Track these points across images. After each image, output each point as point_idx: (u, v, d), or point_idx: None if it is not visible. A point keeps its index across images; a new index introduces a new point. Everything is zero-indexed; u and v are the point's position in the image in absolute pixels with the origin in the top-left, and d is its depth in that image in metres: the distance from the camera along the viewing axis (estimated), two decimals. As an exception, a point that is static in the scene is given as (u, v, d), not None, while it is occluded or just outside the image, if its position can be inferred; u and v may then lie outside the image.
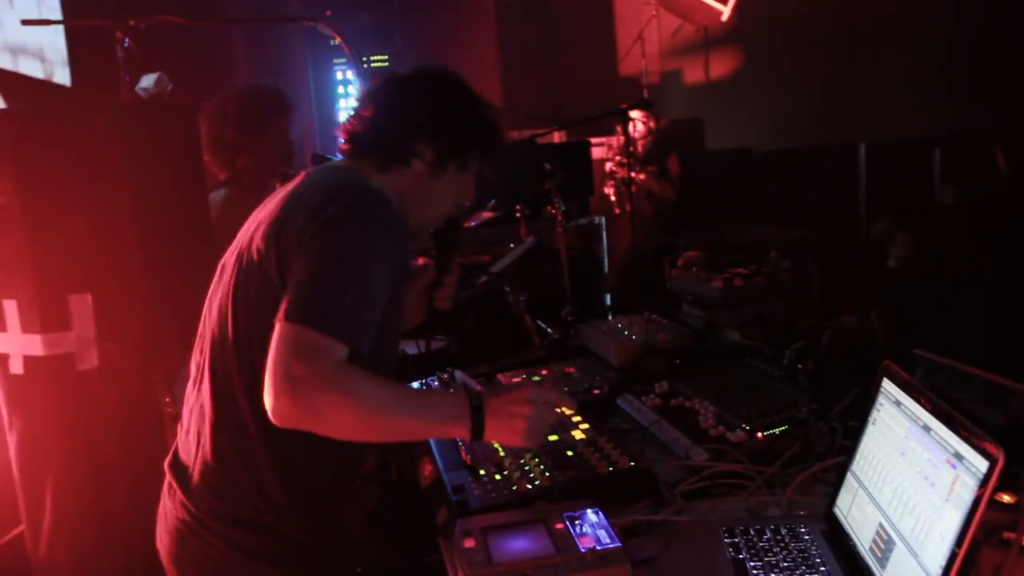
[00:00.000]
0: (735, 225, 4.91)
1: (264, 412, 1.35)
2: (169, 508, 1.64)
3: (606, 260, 4.13)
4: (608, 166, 5.05)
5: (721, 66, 6.28)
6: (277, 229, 1.50)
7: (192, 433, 1.61)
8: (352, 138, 1.68)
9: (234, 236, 1.69)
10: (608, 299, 4.00)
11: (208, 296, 1.66)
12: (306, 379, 1.30)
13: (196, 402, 1.62)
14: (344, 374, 1.35)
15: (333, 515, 1.68)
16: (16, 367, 2.49)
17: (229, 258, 1.64)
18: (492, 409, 1.45)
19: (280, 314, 1.36)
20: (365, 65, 5.60)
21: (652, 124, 5.13)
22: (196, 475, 1.58)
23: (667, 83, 6.74)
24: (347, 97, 5.70)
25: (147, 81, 2.86)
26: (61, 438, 2.49)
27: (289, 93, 3.27)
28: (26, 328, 2.46)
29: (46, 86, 3.22)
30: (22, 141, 2.42)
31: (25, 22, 2.87)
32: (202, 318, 1.65)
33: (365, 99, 1.68)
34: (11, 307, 2.46)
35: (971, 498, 1.03)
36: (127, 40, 2.78)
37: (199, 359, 1.63)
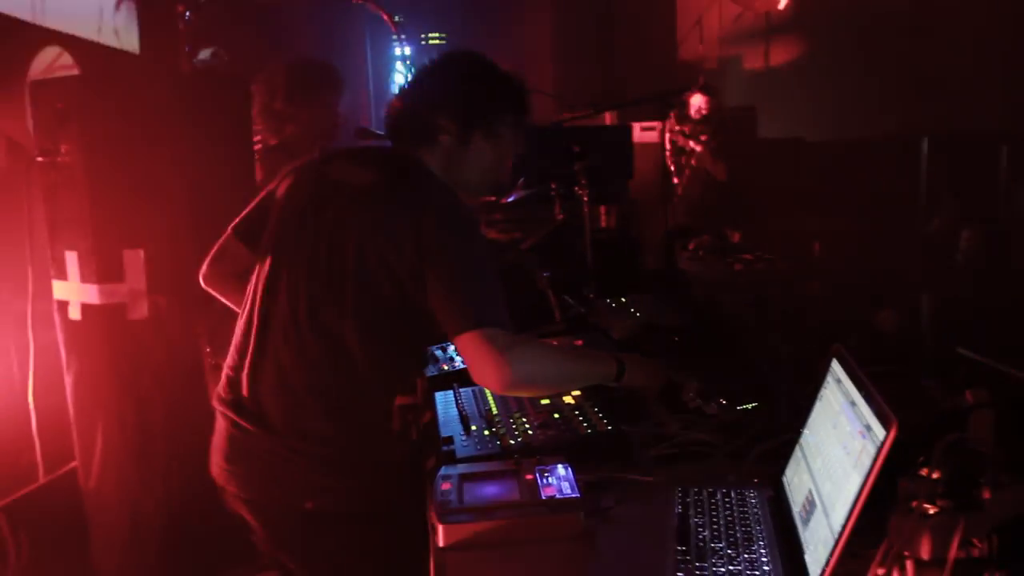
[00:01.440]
0: (780, 215, 4.92)
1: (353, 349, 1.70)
2: (242, 440, 1.77)
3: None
4: (667, 136, 5.02)
5: (779, 54, 6.25)
6: (380, 230, 1.70)
7: (277, 378, 1.74)
8: (389, 126, 1.90)
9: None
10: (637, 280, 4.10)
11: (274, 251, 1.83)
12: (513, 358, 1.60)
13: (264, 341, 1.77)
14: (535, 351, 1.72)
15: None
16: (75, 313, 2.73)
17: (295, 230, 1.81)
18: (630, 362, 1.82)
19: (458, 326, 1.62)
20: (423, 43, 5.77)
21: (707, 110, 5.13)
22: (282, 409, 1.73)
23: (724, 70, 6.74)
24: (405, 73, 5.87)
25: (205, 53, 3.07)
26: (111, 381, 2.72)
27: (345, 68, 3.44)
28: (85, 278, 2.69)
29: (114, 54, 3.43)
30: (89, 106, 2.63)
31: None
32: (269, 271, 1.81)
33: (398, 92, 1.94)
34: (72, 258, 2.69)
35: (870, 464, 1.13)
36: (188, 13, 2.98)
37: (310, 309, 1.74)
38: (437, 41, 5.76)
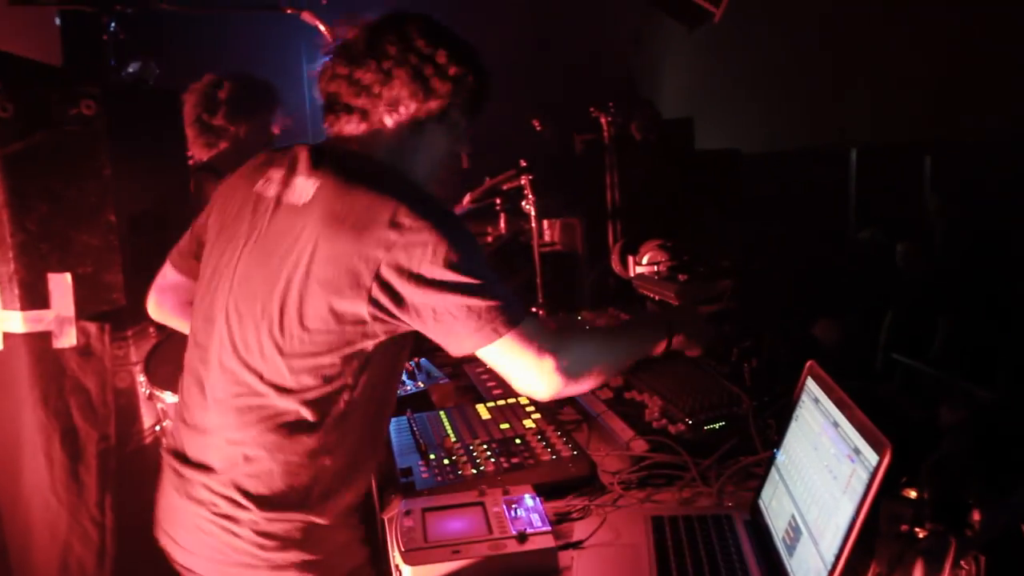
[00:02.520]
0: (717, 224, 4.95)
1: (310, 403, 1.45)
2: (182, 500, 1.54)
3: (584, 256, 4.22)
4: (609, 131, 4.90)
5: (715, 67, 6.32)
6: (338, 254, 1.41)
7: (218, 425, 1.51)
8: (327, 102, 1.59)
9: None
10: (585, 294, 4.08)
11: (212, 287, 1.58)
12: (556, 350, 1.43)
13: (215, 395, 1.52)
14: (572, 331, 1.66)
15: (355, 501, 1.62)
16: (-5, 342, 2.56)
17: (231, 257, 1.56)
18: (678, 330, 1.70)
19: (477, 341, 1.40)
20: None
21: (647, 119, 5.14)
22: (222, 465, 1.50)
23: (661, 82, 6.79)
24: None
25: (134, 66, 2.92)
26: (37, 415, 2.55)
27: (280, 81, 3.34)
28: (6, 304, 2.52)
29: (35, 67, 3.26)
30: (8, 121, 2.48)
31: (13, 2, 2.93)
32: (210, 315, 1.56)
33: (336, 54, 1.57)
34: (-9, 284, 2.52)
35: (863, 490, 1.09)
36: (113, 24, 2.84)
37: (219, 354, 1.52)
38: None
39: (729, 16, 4.63)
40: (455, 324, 1.40)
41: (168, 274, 1.83)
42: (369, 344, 1.45)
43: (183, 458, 1.57)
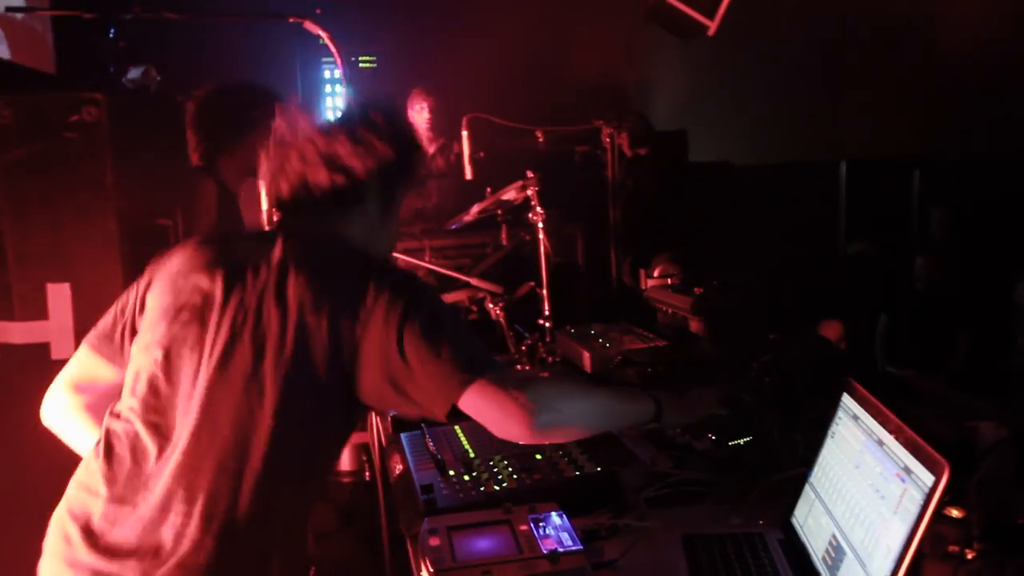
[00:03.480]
0: (714, 237, 4.96)
1: (263, 479, 1.37)
2: None
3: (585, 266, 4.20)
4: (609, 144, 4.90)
5: (709, 79, 6.34)
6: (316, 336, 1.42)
7: (152, 506, 1.40)
8: (292, 195, 1.62)
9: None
10: (586, 306, 4.05)
11: (166, 348, 1.49)
12: (529, 399, 1.41)
13: (164, 476, 1.41)
14: (546, 384, 1.64)
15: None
16: (-9, 354, 2.50)
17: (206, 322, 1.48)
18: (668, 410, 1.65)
19: (457, 383, 1.39)
20: (356, 64, 5.63)
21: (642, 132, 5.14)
22: (164, 548, 1.37)
23: (654, 94, 6.80)
24: (334, 96, 5.71)
25: (134, 73, 2.88)
26: (34, 426, 2.49)
27: (276, 90, 3.29)
28: (3, 315, 2.46)
29: (34, 75, 3.21)
30: (7, 128, 2.42)
31: (9, 9, 2.88)
32: (155, 385, 1.47)
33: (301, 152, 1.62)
34: (-12, 294, 2.46)
35: (917, 511, 1.07)
36: (112, 31, 2.80)
37: (160, 432, 1.45)
38: (368, 64, 5.62)
39: (723, 29, 4.64)
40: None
41: (84, 364, 1.71)
42: None
43: None
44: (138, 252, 2.55)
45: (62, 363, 2.45)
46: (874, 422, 1.26)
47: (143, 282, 1.62)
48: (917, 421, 1.68)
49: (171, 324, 1.51)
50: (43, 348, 2.47)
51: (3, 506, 2.59)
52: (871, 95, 5.31)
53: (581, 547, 1.38)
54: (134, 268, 2.49)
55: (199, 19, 3.32)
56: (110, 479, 1.46)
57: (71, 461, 2.40)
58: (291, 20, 3.25)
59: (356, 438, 2.62)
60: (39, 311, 2.46)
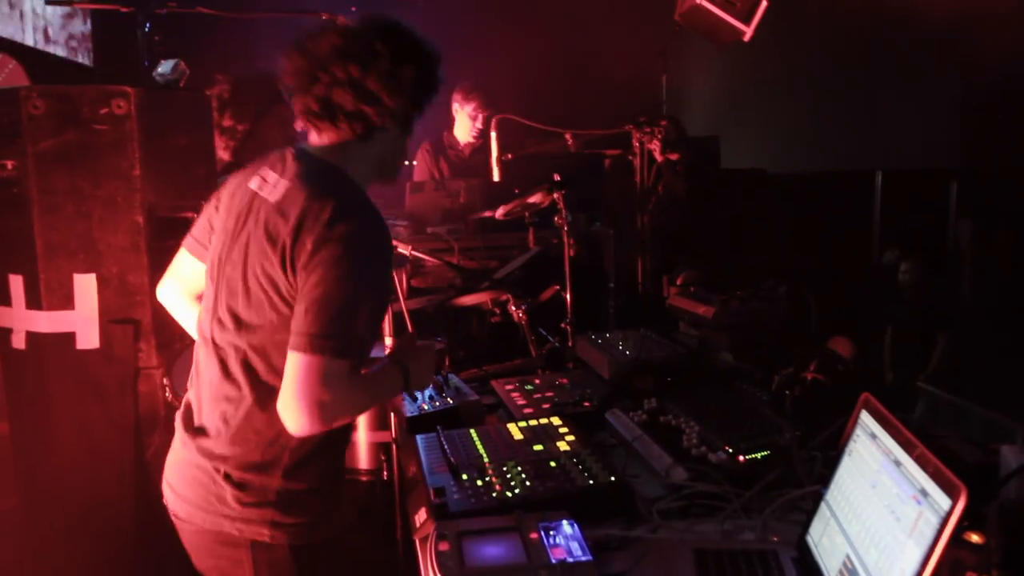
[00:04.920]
0: (742, 246, 4.91)
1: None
2: (184, 457, 1.77)
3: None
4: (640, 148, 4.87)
5: (743, 86, 6.28)
6: (273, 244, 1.63)
7: (208, 396, 1.74)
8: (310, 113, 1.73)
9: None
10: (613, 312, 4.03)
11: (211, 277, 1.79)
12: (331, 403, 1.54)
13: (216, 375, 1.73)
14: (355, 390, 1.61)
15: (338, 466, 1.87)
16: (19, 342, 2.53)
17: (222, 249, 1.77)
18: (412, 372, 1.80)
19: (299, 343, 1.54)
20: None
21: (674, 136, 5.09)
22: (215, 429, 1.71)
23: (688, 100, 6.75)
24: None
25: (165, 67, 2.90)
26: (58, 414, 2.52)
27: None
28: (30, 304, 2.49)
29: (69, 66, 3.26)
30: (39, 119, 2.45)
31: (49, 2, 2.92)
32: (207, 304, 1.79)
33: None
34: (17, 283, 2.49)
35: (932, 535, 1.04)
36: (148, 25, 2.83)
37: (211, 328, 1.75)
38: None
39: (758, 35, 4.59)
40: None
41: (181, 259, 1.97)
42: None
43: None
44: (163, 245, 2.58)
45: (86, 352, 2.50)
46: (892, 441, 1.23)
47: (220, 195, 1.88)
48: (940, 442, 1.65)
49: (215, 239, 1.82)
50: (68, 337, 2.49)
51: (29, 486, 2.63)
52: (908, 104, 5.23)
53: (591, 558, 1.36)
54: (159, 260, 2.52)
55: (232, 15, 3.35)
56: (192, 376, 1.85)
57: (94, 445, 2.45)
58: (324, 16, 3.27)
59: (374, 437, 2.62)
60: (66, 301, 2.49)
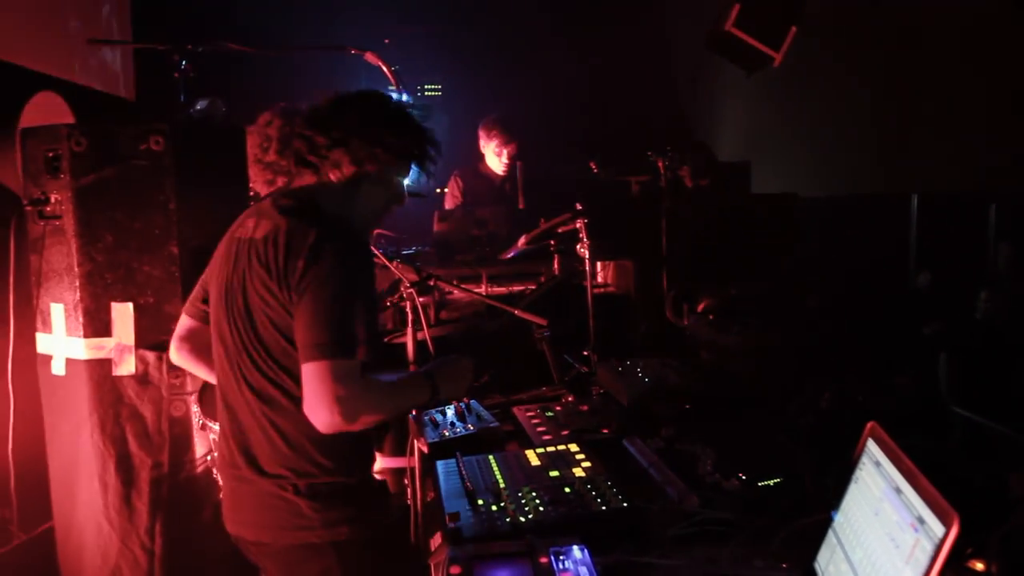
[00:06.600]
0: (773, 271, 4.89)
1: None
2: (247, 491, 1.92)
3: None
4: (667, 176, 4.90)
5: (774, 111, 6.28)
6: (268, 270, 1.82)
7: (251, 426, 1.90)
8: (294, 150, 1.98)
9: None
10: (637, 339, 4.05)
11: (216, 321, 1.99)
12: (348, 398, 1.69)
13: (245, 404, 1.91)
14: (369, 386, 1.75)
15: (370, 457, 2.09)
16: (58, 368, 2.62)
17: (217, 296, 1.98)
18: (440, 380, 1.97)
19: (307, 355, 1.72)
20: (419, 94, 5.74)
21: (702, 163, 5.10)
22: (267, 455, 1.88)
23: (719, 125, 6.77)
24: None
25: (202, 103, 3.01)
26: (94, 439, 2.61)
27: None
28: (70, 331, 2.59)
29: (109, 101, 3.38)
30: (81, 156, 2.56)
31: (91, 41, 3.04)
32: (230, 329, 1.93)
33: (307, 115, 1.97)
34: (58, 311, 2.60)
35: (927, 562, 1.05)
36: (184, 62, 2.93)
37: (237, 365, 1.91)
38: (433, 92, 5.74)
39: (788, 60, 4.62)
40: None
41: (183, 323, 2.17)
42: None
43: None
44: (198, 276, 2.66)
45: (123, 379, 2.59)
46: (894, 469, 1.25)
47: (205, 273, 2.12)
48: (953, 467, 1.66)
49: (212, 289, 2.03)
50: (105, 364, 2.59)
51: (64, 507, 2.71)
52: (943, 126, 5.19)
53: (599, 583, 1.39)
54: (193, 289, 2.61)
55: (266, 51, 3.45)
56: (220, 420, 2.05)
57: (129, 467, 2.51)
58: (352, 52, 3.36)
59: (398, 462, 2.66)
60: (104, 328, 2.58)
